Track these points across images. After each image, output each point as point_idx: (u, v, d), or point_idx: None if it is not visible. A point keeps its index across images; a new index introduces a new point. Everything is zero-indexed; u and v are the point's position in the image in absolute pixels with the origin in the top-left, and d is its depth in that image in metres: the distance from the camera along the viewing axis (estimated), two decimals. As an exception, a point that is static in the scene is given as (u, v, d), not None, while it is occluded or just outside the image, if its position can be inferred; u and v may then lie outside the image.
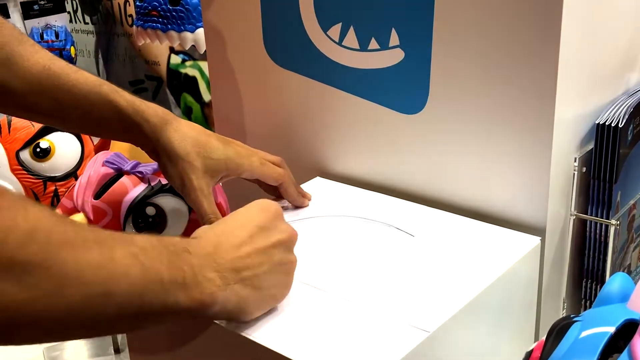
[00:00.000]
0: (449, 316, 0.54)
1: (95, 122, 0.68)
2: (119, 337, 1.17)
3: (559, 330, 0.49)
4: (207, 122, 1.72)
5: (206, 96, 2.16)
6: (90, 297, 0.40)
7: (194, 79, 2.39)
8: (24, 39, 0.66)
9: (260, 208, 0.55)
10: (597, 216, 0.68)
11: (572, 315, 0.50)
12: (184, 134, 0.66)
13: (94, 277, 0.40)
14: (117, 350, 1.20)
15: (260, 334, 0.52)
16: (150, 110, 0.66)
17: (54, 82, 0.65)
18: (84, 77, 0.66)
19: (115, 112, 0.66)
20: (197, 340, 0.57)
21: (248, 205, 0.56)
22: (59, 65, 0.66)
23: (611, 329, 0.46)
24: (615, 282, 0.51)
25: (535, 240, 0.64)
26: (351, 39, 0.73)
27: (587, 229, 0.70)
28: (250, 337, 0.52)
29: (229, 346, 0.54)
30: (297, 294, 0.57)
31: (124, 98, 0.66)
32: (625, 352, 0.44)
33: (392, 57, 0.71)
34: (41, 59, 0.65)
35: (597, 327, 0.47)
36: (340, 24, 0.74)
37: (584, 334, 0.47)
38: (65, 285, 0.39)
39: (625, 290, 0.50)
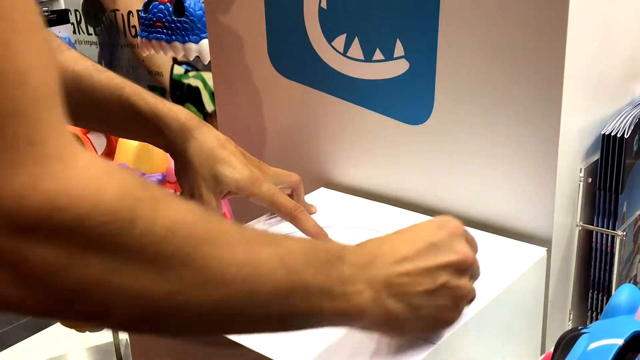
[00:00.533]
0: (455, 328, 0.53)
1: (115, 124, 0.67)
2: (122, 347, 1.17)
3: (566, 342, 0.48)
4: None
5: (209, 106, 2.17)
6: (233, 294, 0.40)
7: (196, 89, 2.40)
8: (48, 38, 0.66)
9: (438, 224, 0.52)
10: (603, 227, 0.68)
11: (579, 327, 0.50)
12: (202, 143, 0.65)
13: (237, 276, 0.40)
14: (120, 361, 1.20)
15: (265, 346, 0.52)
16: (172, 114, 0.65)
17: (76, 83, 0.65)
18: (108, 78, 0.66)
19: (136, 116, 0.65)
20: (200, 352, 0.57)
21: (428, 220, 0.53)
22: (82, 65, 0.65)
23: (619, 341, 0.46)
24: (622, 293, 0.50)
25: (542, 251, 0.64)
26: (356, 49, 0.74)
27: (593, 239, 0.69)
28: (255, 350, 0.51)
29: (233, 358, 0.53)
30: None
31: (146, 101, 0.65)
32: (634, 364, 0.44)
33: (397, 67, 0.71)
34: (65, 60, 0.65)
35: (605, 339, 0.47)
36: (344, 35, 0.74)
37: (592, 346, 0.47)
38: (208, 281, 0.39)
39: (633, 302, 0.50)
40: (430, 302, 0.49)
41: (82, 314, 0.37)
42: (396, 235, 0.51)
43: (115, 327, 0.39)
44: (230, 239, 0.41)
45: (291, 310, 0.43)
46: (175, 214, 0.38)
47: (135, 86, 0.66)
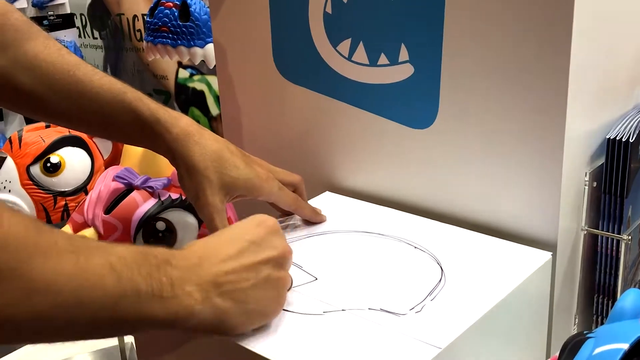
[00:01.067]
0: (461, 332, 0.53)
1: (117, 129, 0.68)
2: (127, 350, 1.17)
3: (572, 347, 0.48)
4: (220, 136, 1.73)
5: (214, 110, 2.17)
6: (61, 305, 0.41)
7: (201, 93, 2.41)
8: (49, 43, 0.66)
9: (256, 223, 0.55)
10: (608, 231, 0.68)
11: (585, 332, 0.50)
12: (205, 147, 0.66)
13: (65, 286, 0.41)
14: (125, 364, 1.20)
15: (270, 349, 0.52)
16: (173, 119, 0.66)
17: (77, 88, 0.65)
18: (109, 83, 0.66)
19: (137, 120, 0.66)
20: (206, 354, 0.57)
21: (245, 219, 0.56)
22: (83, 70, 0.66)
23: (625, 346, 0.46)
24: (628, 298, 0.50)
25: (547, 255, 0.64)
26: (361, 54, 0.74)
27: (599, 244, 0.69)
28: (260, 353, 0.51)
29: (233, 359, 0.54)
30: (308, 309, 0.57)
31: (148, 107, 0.66)
32: (639, 369, 0.44)
33: (402, 72, 0.71)
34: (66, 64, 0.65)
35: (610, 344, 0.47)
36: (349, 40, 0.74)
37: (598, 350, 0.47)
38: (35, 293, 0.40)
39: (639, 307, 0.50)
40: (256, 296, 0.52)
41: None
42: (218, 236, 0.54)
43: None
44: (59, 250, 0.42)
45: (122, 316, 0.44)
46: (5, 227, 0.39)
47: (136, 91, 0.66)
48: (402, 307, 0.57)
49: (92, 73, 0.66)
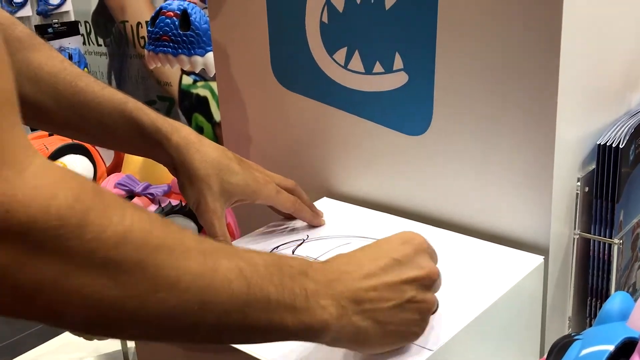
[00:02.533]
0: (453, 334, 0.55)
1: (119, 139, 0.69)
2: (130, 355, 1.18)
3: (559, 349, 0.49)
4: (218, 141, 1.75)
5: (217, 116, 2.19)
6: (185, 303, 0.41)
7: (205, 99, 2.43)
8: (52, 54, 0.67)
9: (402, 240, 0.53)
10: (600, 235, 0.69)
11: (572, 334, 0.51)
12: (205, 155, 0.67)
13: (191, 285, 0.41)
14: (128, 367, 1.21)
15: (268, 352, 0.53)
16: (173, 129, 0.67)
17: (79, 99, 0.67)
18: (110, 94, 0.68)
19: (138, 130, 0.67)
20: (206, 356, 0.58)
21: (391, 235, 0.54)
22: (85, 82, 0.67)
23: (610, 347, 0.47)
24: (615, 300, 0.51)
25: (539, 259, 0.65)
26: (356, 62, 0.75)
27: (591, 247, 0.70)
28: (257, 356, 0.53)
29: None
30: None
31: (148, 116, 0.67)
32: (624, 370, 0.45)
33: (397, 80, 0.73)
34: (68, 76, 0.67)
35: (596, 346, 0.48)
36: (345, 48, 0.76)
37: (584, 352, 0.48)
38: (160, 288, 0.40)
39: (626, 309, 0.51)
40: (397, 318, 0.50)
41: (37, 314, 0.38)
42: (361, 252, 0.52)
43: (72, 328, 0.41)
44: (187, 248, 0.41)
45: (251, 322, 0.44)
46: (129, 221, 0.39)
47: (136, 102, 0.68)
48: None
49: (94, 84, 0.67)
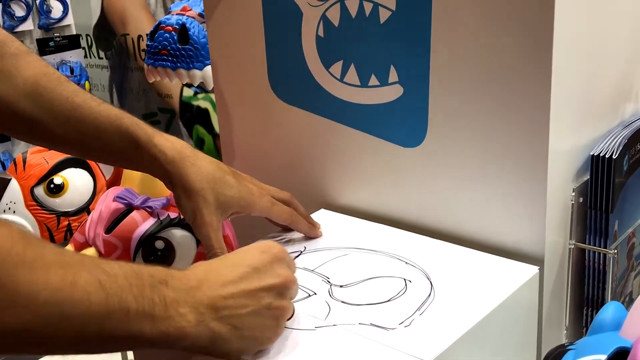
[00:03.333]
0: (448, 345, 0.55)
1: (115, 154, 0.70)
2: (129, 353, 1.18)
3: (553, 358, 0.50)
4: (219, 153, 1.76)
5: (218, 128, 2.19)
6: (43, 317, 0.42)
7: (206, 111, 2.43)
8: (49, 71, 0.68)
9: (261, 249, 0.55)
10: (595, 245, 0.70)
11: (566, 343, 0.51)
12: (200, 168, 0.68)
13: (49, 299, 0.42)
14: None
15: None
16: (169, 144, 0.68)
17: (76, 114, 0.67)
18: (107, 109, 0.69)
19: (134, 145, 0.68)
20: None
21: (251, 245, 0.57)
22: (82, 98, 0.68)
23: (603, 357, 0.47)
24: (608, 310, 0.52)
25: (534, 269, 0.66)
26: (352, 75, 0.76)
27: (586, 258, 0.71)
28: (254, 368, 0.53)
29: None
30: (300, 324, 0.59)
31: (144, 131, 0.68)
32: (615, 379, 0.45)
33: (392, 92, 0.73)
34: (64, 91, 0.68)
35: (589, 356, 0.48)
36: (341, 62, 0.77)
37: (577, 361, 0.48)
38: (17, 304, 0.41)
39: (618, 319, 0.51)
40: (253, 323, 0.52)
41: None
42: (221, 260, 0.55)
43: None
44: (46, 263, 0.43)
45: (110, 333, 0.45)
46: None
47: (132, 117, 0.69)
48: (392, 321, 0.59)
49: (90, 100, 0.68)
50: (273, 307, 0.53)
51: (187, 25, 1.08)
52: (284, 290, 0.54)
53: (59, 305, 0.43)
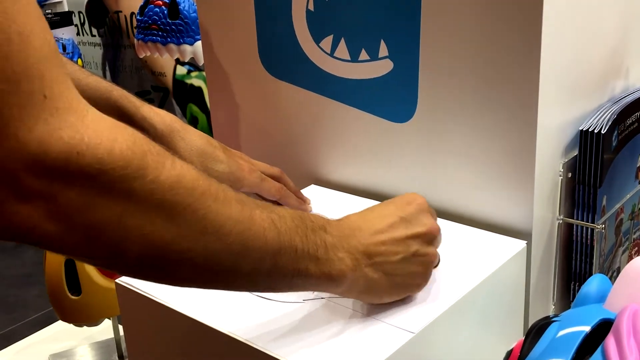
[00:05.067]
0: (434, 318, 0.56)
1: None
2: (123, 343, 1.19)
3: (537, 330, 0.50)
4: (212, 131, 1.76)
5: (209, 104, 2.19)
6: (228, 247, 0.44)
7: (199, 89, 2.43)
8: None
9: (406, 201, 0.58)
10: (582, 220, 0.70)
11: (551, 316, 0.52)
12: (189, 142, 0.68)
13: (233, 230, 0.44)
14: (121, 357, 1.23)
15: (252, 335, 0.54)
16: (158, 117, 0.68)
17: None
18: (95, 81, 0.68)
19: (123, 118, 0.67)
20: (191, 341, 0.59)
21: (396, 197, 0.59)
22: (70, 69, 0.68)
23: (587, 328, 0.48)
24: (593, 283, 0.52)
25: (521, 244, 0.66)
26: (342, 50, 0.76)
27: (574, 232, 0.71)
28: (242, 339, 0.54)
29: (217, 346, 0.56)
30: (288, 297, 0.59)
31: (133, 104, 0.68)
32: (598, 350, 0.46)
33: (382, 67, 0.73)
34: None
35: (573, 327, 0.49)
36: (331, 36, 0.76)
37: (561, 333, 0.49)
38: (207, 231, 0.43)
39: (603, 292, 0.52)
40: (403, 270, 0.55)
41: (102, 251, 0.40)
42: (370, 211, 0.57)
43: (129, 270, 0.44)
44: (227, 197, 0.45)
45: (280, 269, 0.48)
46: (179, 168, 0.42)
47: (121, 90, 0.68)
48: (379, 294, 0.59)
49: (78, 72, 0.68)
50: (421, 253, 0.56)
51: None
52: (430, 238, 0.57)
53: (241, 237, 0.45)
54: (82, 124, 0.38)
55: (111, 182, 0.38)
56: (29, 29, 0.36)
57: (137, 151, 0.39)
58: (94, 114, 0.39)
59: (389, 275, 0.54)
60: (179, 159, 0.43)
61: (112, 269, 0.44)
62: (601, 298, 0.52)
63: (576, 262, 0.72)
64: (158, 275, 0.45)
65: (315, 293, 0.60)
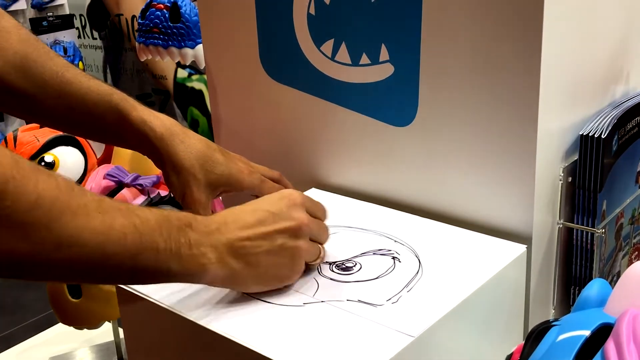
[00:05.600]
0: (434, 321, 0.56)
1: (104, 129, 0.70)
2: (123, 345, 1.19)
3: (537, 334, 0.50)
4: (213, 134, 1.76)
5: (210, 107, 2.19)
6: (87, 256, 0.48)
7: (200, 92, 2.43)
8: (39, 45, 0.68)
9: (280, 196, 0.61)
10: (582, 225, 0.70)
11: (551, 320, 0.52)
12: (189, 146, 0.68)
13: (91, 240, 0.48)
14: None
15: (252, 339, 0.54)
16: (158, 121, 0.69)
17: (66, 89, 0.68)
18: (96, 85, 0.69)
19: (123, 121, 0.68)
20: (189, 345, 0.59)
21: (273, 193, 0.62)
22: (72, 72, 0.68)
23: (587, 333, 0.48)
24: (593, 287, 0.52)
25: (521, 248, 0.66)
26: (343, 54, 0.76)
27: (574, 237, 0.71)
28: (242, 343, 0.54)
29: (217, 349, 0.56)
30: (288, 301, 0.59)
31: (134, 107, 0.68)
32: (598, 354, 0.46)
33: (383, 71, 0.73)
34: (55, 66, 0.68)
35: (573, 331, 0.49)
36: (332, 40, 0.76)
37: (561, 337, 0.49)
38: (64, 244, 0.47)
39: (603, 296, 0.52)
40: (268, 261, 0.58)
41: None
42: (242, 207, 0.60)
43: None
44: (87, 210, 0.49)
45: (142, 268, 0.52)
46: (40, 189, 0.46)
47: (122, 93, 0.69)
48: (380, 298, 0.59)
49: (80, 75, 0.68)
50: (287, 247, 0.58)
51: (179, 2, 1.07)
52: (298, 232, 0.59)
53: (100, 245, 0.49)
54: None
55: None
56: None
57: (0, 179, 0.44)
58: None
59: (252, 266, 0.57)
60: (46, 176, 0.47)
61: None
62: (601, 302, 0.52)
63: (576, 267, 0.72)
64: (23, 278, 0.49)
65: (316, 296, 0.60)
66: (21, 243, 0.45)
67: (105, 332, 1.26)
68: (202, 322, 0.57)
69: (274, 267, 0.58)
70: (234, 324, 0.56)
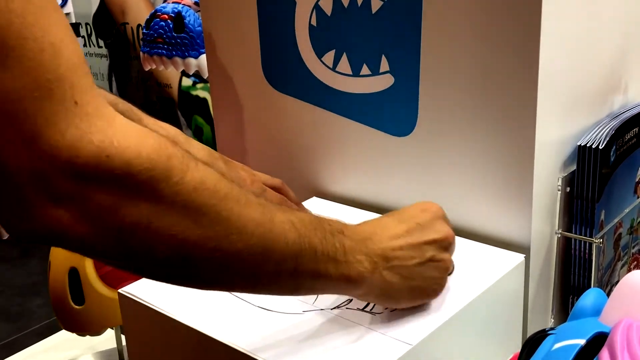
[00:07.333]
0: (432, 330, 0.56)
1: None
2: (125, 355, 1.20)
3: (533, 343, 0.51)
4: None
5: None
6: (251, 248, 0.45)
7: (204, 100, 2.44)
8: None
9: (422, 208, 0.60)
10: (580, 234, 0.71)
11: (547, 329, 0.52)
12: (192, 154, 0.69)
13: (255, 231, 0.45)
14: (122, 365, 1.23)
15: (252, 346, 0.55)
16: (162, 130, 0.69)
17: None
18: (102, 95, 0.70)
19: None
20: (191, 352, 0.60)
21: (412, 204, 0.61)
22: None
23: (582, 342, 0.48)
24: (588, 297, 0.53)
25: (520, 257, 0.67)
26: (344, 65, 0.77)
27: (572, 246, 0.72)
28: (242, 350, 0.54)
29: (218, 356, 0.56)
30: (288, 308, 0.60)
31: (138, 117, 0.69)
32: (593, 363, 0.46)
33: (383, 82, 0.74)
34: None
35: (568, 340, 0.49)
36: (334, 51, 0.77)
37: (556, 346, 0.49)
38: (231, 232, 0.44)
39: (599, 305, 0.52)
40: (420, 274, 0.56)
41: (131, 252, 0.42)
42: (387, 217, 0.59)
43: (156, 272, 0.45)
44: (248, 200, 0.46)
45: (302, 271, 0.49)
46: (202, 170, 0.43)
47: (127, 103, 0.70)
48: (378, 306, 0.60)
49: None
50: (436, 259, 0.57)
51: (183, 13, 1.09)
52: (445, 244, 0.58)
53: (263, 238, 0.46)
54: (111, 128, 0.39)
55: (138, 184, 0.40)
56: (59, 40, 0.38)
57: (162, 154, 0.41)
58: (120, 119, 0.40)
59: (406, 279, 0.55)
60: (202, 163, 0.44)
61: (139, 271, 0.45)
62: (597, 312, 0.52)
63: (574, 276, 0.73)
64: (183, 276, 0.46)
65: (315, 304, 0.60)
66: (191, 227, 0.42)
67: (108, 339, 1.26)
68: (204, 330, 0.57)
69: (426, 280, 0.57)
70: (236, 331, 0.57)
